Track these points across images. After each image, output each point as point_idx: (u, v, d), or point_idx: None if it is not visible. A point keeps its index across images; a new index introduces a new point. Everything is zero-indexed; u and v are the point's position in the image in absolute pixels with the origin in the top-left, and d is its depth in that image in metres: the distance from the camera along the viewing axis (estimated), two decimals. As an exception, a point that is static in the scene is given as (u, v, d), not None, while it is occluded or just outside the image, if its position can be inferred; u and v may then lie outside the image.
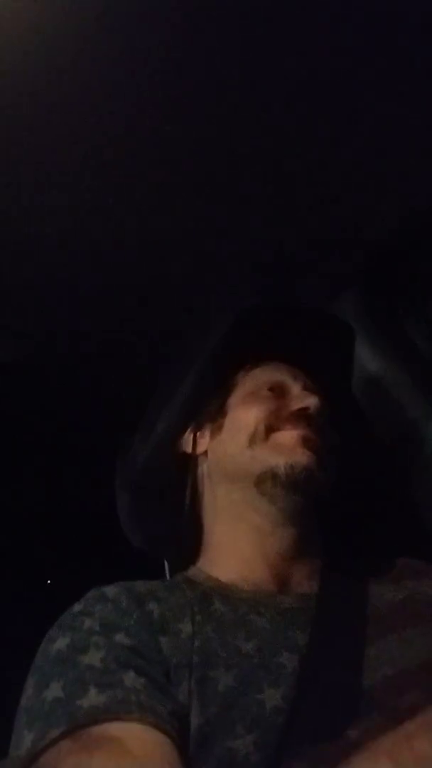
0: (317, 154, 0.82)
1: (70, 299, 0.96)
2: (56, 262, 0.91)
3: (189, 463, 0.76)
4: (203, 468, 0.76)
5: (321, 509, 0.71)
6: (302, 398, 0.73)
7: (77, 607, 0.61)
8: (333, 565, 0.69)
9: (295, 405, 0.72)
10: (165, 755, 0.48)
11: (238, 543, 0.69)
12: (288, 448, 0.68)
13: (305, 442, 0.69)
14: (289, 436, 0.69)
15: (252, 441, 0.70)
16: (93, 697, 0.50)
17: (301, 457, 0.68)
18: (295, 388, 0.75)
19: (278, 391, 0.75)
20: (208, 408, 0.77)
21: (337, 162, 0.84)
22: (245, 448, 0.70)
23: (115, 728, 0.49)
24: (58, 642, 0.57)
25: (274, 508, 0.68)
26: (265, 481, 0.67)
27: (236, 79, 0.72)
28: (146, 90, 0.72)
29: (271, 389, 0.74)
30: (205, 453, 0.75)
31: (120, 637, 0.56)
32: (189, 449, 0.76)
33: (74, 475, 0.99)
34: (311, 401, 0.71)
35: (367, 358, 1.01)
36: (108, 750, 0.47)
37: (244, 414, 0.72)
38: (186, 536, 0.74)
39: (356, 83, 0.74)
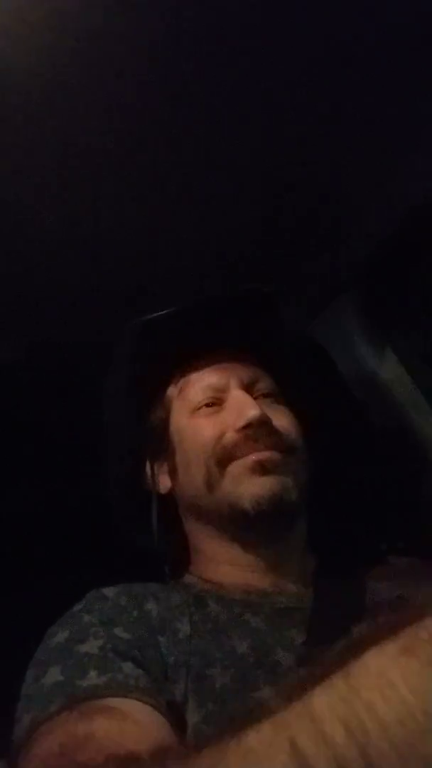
0: (315, 152, 0.82)
1: (70, 299, 0.96)
2: (54, 261, 0.91)
3: (155, 498, 0.74)
4: (175, 505, 0.75)
5: (316, 508, 0.71)
6: (241, 410, 0.69)
7: (77, 606, 0.62)
8: (329, 564, 0.70)
9: (237, 421, 0.68)
10: (164, 727, 0.49)
11: (225, 563, 0.69)
12: (246, 479, 0.66)
13: (261, 467, 0.66)
14: (243, 465, 0.66)
15: (209, 484, 0.67)
16: (93, 678, 0.51)
17: (262, 486, 0.65)
18: (231, 390, 0.72)
19: (216, 401, 0.72)
20: (154, 434, 0.75)
21: (336, 161, 0.84)
22: (205, 492, 0.68)
23: (115, 701, 0.49)
24: (58, 636, 0.58)
25: (253, 536, 0.68)
26: (236, 518, 0.66)
27: (225, 78, 0.72)
28: (137, 92, 0.72)
29: (206, 405, 0.72)
30: (171, 490, 0.74)
31: (118, 631, 0.57)
32: (151, 488, 0.75)
33: (75, 476, 0.99)
34: (251, 415, 0.67)
35: (366, 358, 1.01)
36: (109, 716, 0.47)
37: (192, 450, 0.70)
38: (174, 550, 0.74)
39: (350, 85, 0.74)
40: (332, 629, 0.60)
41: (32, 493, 1.03)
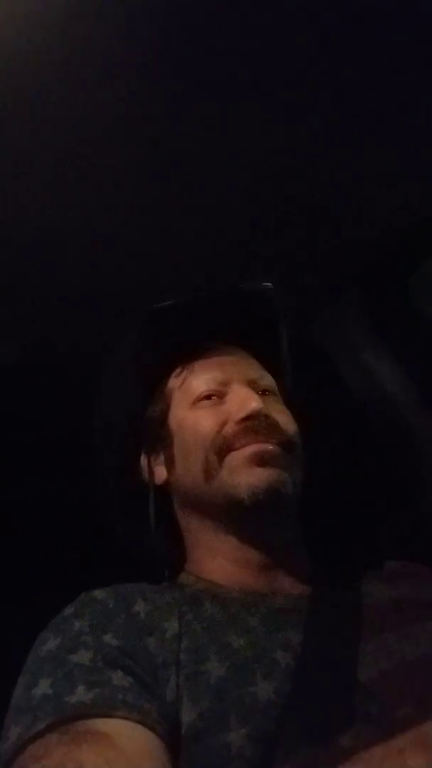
0: (317, 151, 0.82)
1: (69, 299, 0.96)
2: (54, 261, 0.91)
3: (152, 489, 0.74)
4: (171, 497, 0.74)
5: (311, 509, 0.71)
6: (243, 403, 0.69)
7: (68, 610, 0.62)
8: (324, 566, 0.70)
9: (237, 413, 0.68)
10: (151, 751, 0.49)
11: (221, 557, 0.69)
12: (244, 470, 0.65)
13: (259, 458, 0.66)
14: (241, 456, 0.66)
15: (207, 474, 0.67)
16: (81, 694, 0.51)
17: (260, 477, 0.65)
18: (233, 385, 0.72)
19: (217, 393, 0.72)
20: (152, 426, 0.75)
21: (337, 159, 0.84)
22: (203, 482, 0.67)
23: (102, 723, 0.49)
24: (49, 643, 0.58)
25: (249, 530, 0.67)
26: (232, 510, 0.66)
27: (227, 76, 0.72)
28: (138, 90, 0.72)
29: (207, 397, 0.72)
30: (167, 482, 0.73)
31: (108, 638, 0.57)
32: (147, 479, 0.74)
33: (74, 476, 1.00)
34: (252, 407, 0.68)
35: (366, 359, 1.01)
36: (95, 743, 0.47)
37: (192, 440, 0.69)
38: (169, 545, 0.74)
39: (353, 83, 0.74)
40: (331, 631, 0.60)
41: (31, 492, 1.04)
